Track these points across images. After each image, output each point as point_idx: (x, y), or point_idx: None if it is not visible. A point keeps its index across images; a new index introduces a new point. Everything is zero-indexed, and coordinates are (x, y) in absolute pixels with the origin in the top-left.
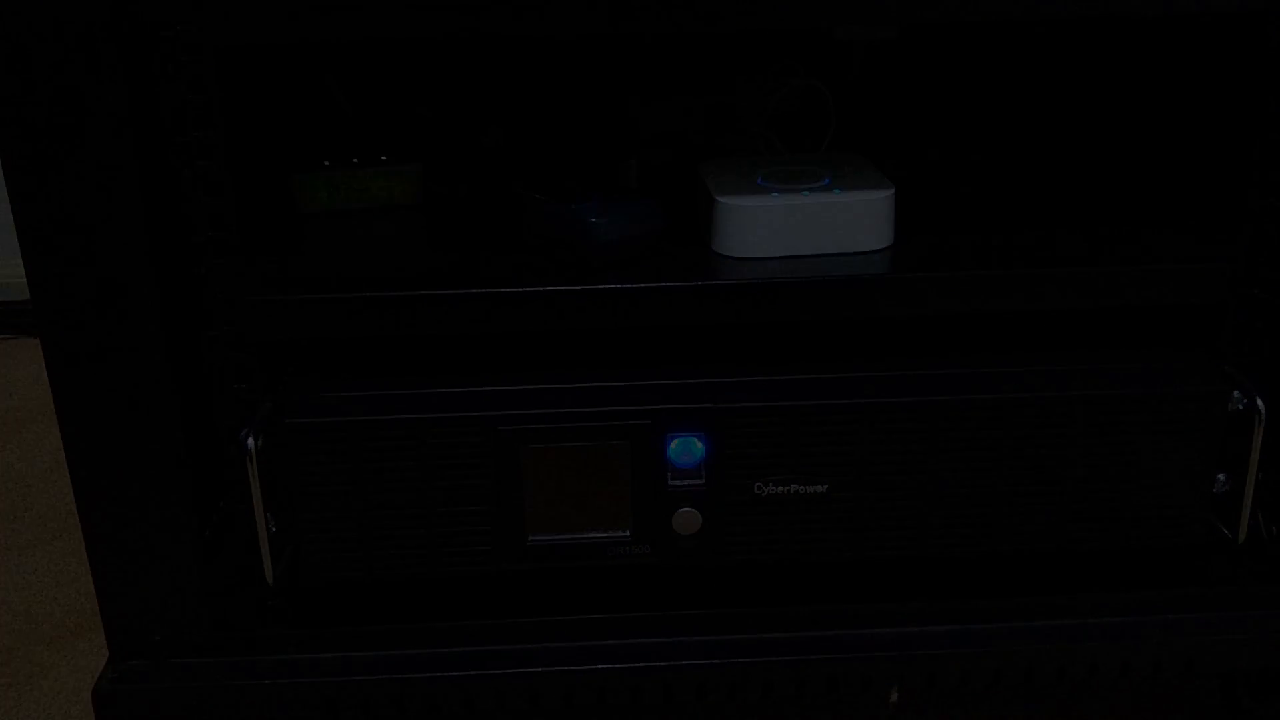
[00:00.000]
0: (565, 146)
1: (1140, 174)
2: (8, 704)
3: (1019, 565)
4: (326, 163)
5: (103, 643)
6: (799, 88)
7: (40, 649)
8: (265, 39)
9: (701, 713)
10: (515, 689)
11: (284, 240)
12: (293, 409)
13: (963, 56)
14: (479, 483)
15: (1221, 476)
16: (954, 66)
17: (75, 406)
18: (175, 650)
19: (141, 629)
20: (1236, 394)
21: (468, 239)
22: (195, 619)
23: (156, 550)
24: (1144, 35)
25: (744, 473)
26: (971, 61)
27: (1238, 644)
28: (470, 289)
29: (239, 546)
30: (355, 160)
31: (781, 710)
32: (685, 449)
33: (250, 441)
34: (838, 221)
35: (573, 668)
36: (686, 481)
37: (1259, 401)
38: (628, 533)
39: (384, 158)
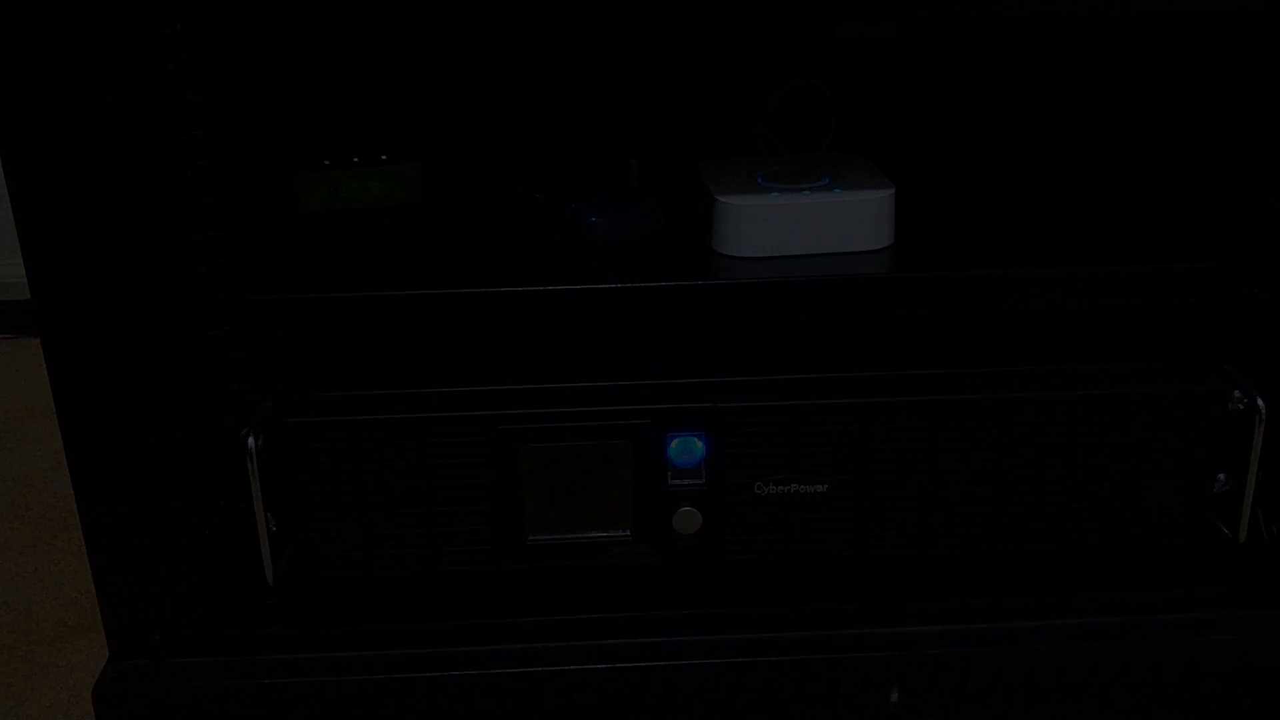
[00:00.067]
0: (565, 146)
1: (1140, 173)
2: (8, 703)
3: (1019, 565)
4: (327, 162)
5: (103, 642)
6: (799, 87)
7: (40, 648)
8: (266, 35)
9: (702, 712)
10: (515, 688)
11: (284, 240)
12: (293, 408)
13: (963, 56)
14: (479, 482)
15: (1222, 476)
16: (955, 66)
17: (76, 406)
18: (175, 650)
19: (141, 628)
20: (1237, 394)
21: (468, 238)
22: (195, 618)
23: (156, 550)
24: (1145, 35)
25: (744, 472)
26: (972, 61)
27: (1238, 644)
28: (470, 288)
29: (239, 546)
30: (355, 160)
31: (782, 710)
32: (685, 448)
33: (250, 441)
34: (838, 221)
35: (573, 667)
36: (687, 481)
37: (1259, 401)
38: (628, 532)
39: (384, 157)
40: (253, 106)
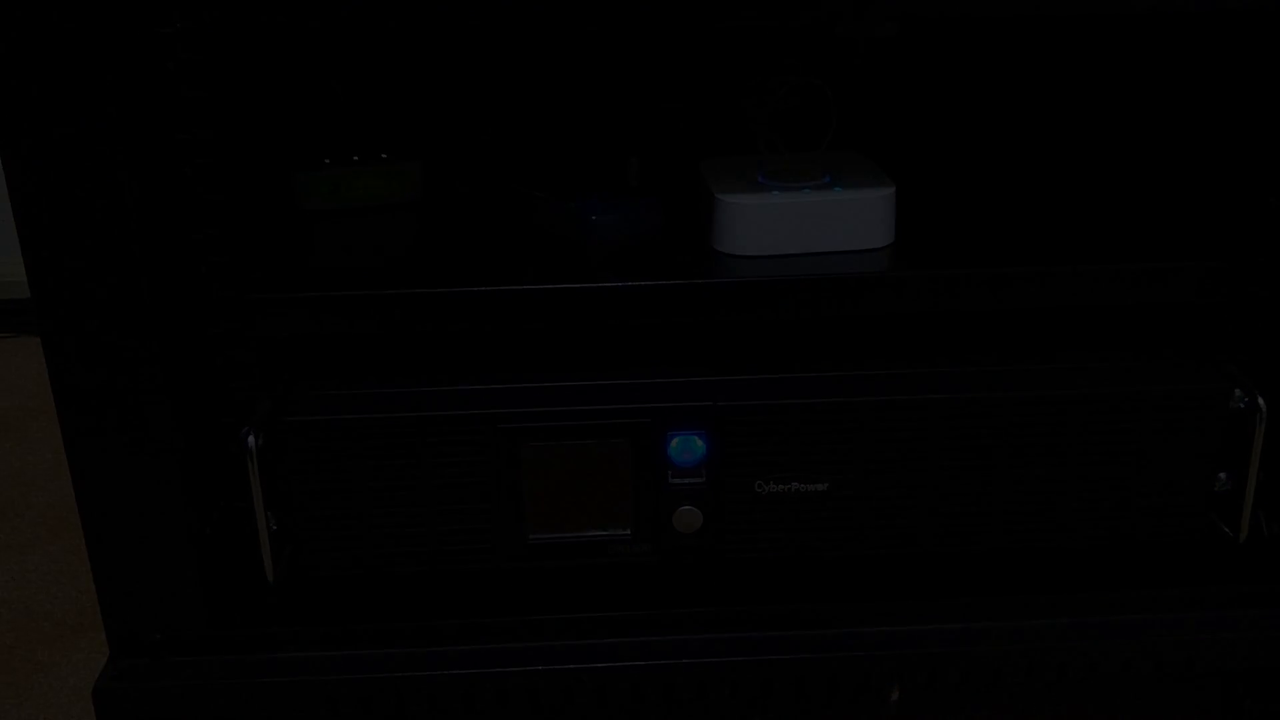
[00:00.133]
0: (566, 144)
1: (1142, 172)
2: (8, 702)
3: (1019, 563)
4: (327, 161)
5: (103, 641)
6: (800, 86)
7: (41, 647)
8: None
9: (702, 712)
10: (515, 687)
11: (284, 238)
12: (293, 407)
13: (964, 55)
14: (479, 481)
15: (1222, 475)
16: (955, 65)
17: (75, 405)
18: (175, 648)
19: (142, 627)
20: (1237, 392)
21: (468, 237)
22: (195, 617)
23: (157, 548)
24: (1146, 34)
25: (745, 471)
26: (973, 60)
27: (1239, 643)
28: (471, 287)
29: (240, 544)
30: (355, 158)
31: (782, 709)
32: (686, 447)
33: (251, 439)
34: (838, 220)
35: (573, 666)
36: (687, 480)
37: (1260, 400)
38: (628, 531)
39: (384, 156)
40: (253, 105)
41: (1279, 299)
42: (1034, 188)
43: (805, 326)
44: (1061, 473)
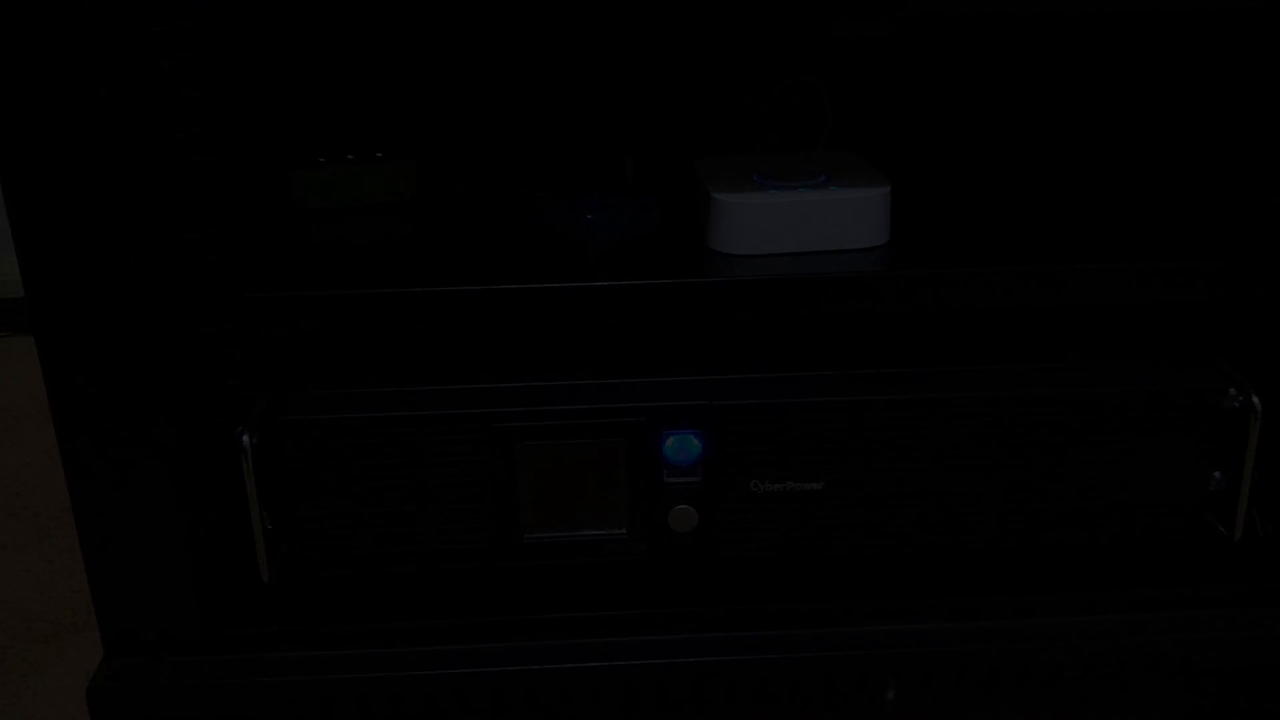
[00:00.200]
0: (562, 143)
1: (1138, 172)
2: (3, 702)
3: (1014, 563)
4: (322, 160)
5: (97, 641)
6: (795, 85)
7: (35, 647)
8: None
9: (697, 711)
10: (511, 687)
11: (279, 237)
12: (288, 406)
13: (960, 54)
14: (475, 480)
15: (1217, 474)
16: (952, 64)
17: (70, 404)
18: (170, 648)
19: (136, 627)
20: (1232, 392)
21: (463, 236)
22: (190, 617)
23: (151, 548)
24: (1144, 32)
25: (740, 470)
26: (969, 59)
27: (1234, 642)
28: (466, 286)
29: (235, 544)
30: (351, 157)
31: (778, 708)
32: (682, 446)
33: (246, 439)
34: (834, 218)
35: (568, 665)
36: (683, 479)
37: (1255, 399)
38: (624, 530)
39: (379, 154)
40: (249, 104)
41: (1274, 298)
42: (1030, 187)
43: (801, 325)
44: (1057, 472)
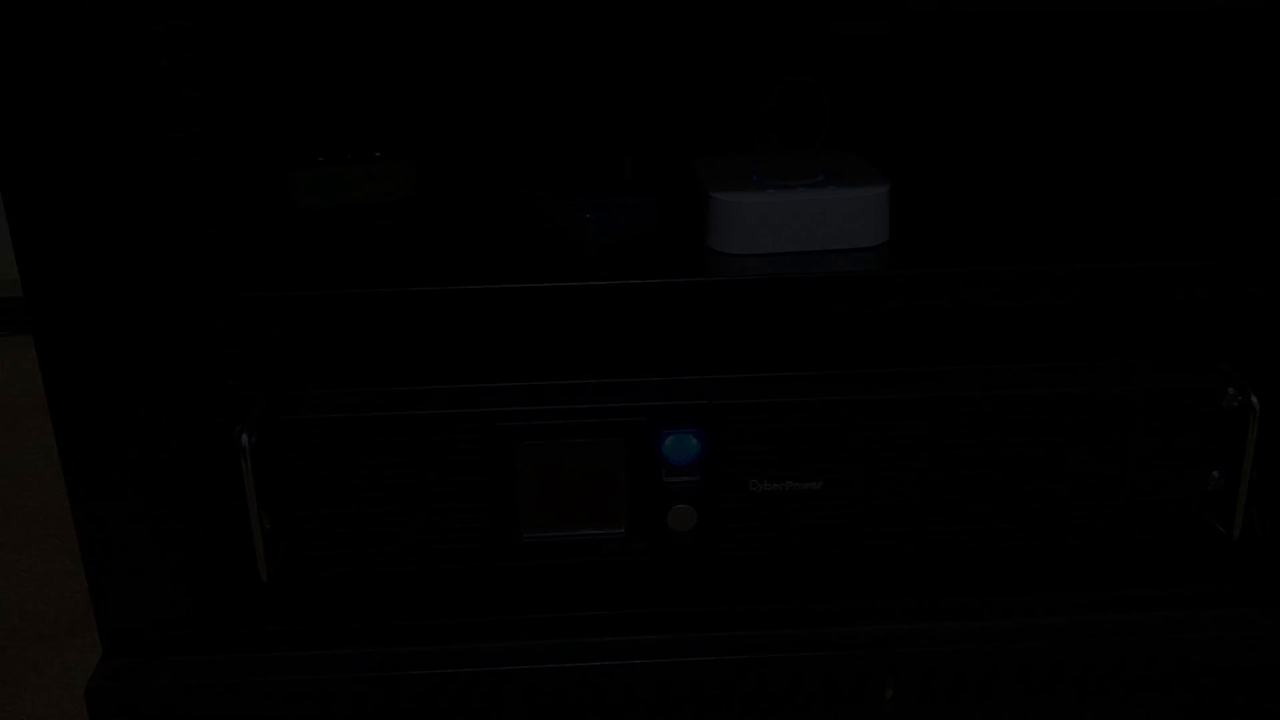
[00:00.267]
0: (560, 143)
1: (1137, 171)
2: (1, 701)
3: (1013, 562)
4: (321, 159)
5: (96, 640)
6: (794, 84)
7: (33, 646)
8: None
9: (696, 710)
10: (509, 686)
11: (278, 236)
12: (287, 405)
13: (959, 53)
14: (474, 479)
15: (1216, 474)
16: (950, 63)
17: (69, 403)
18: (169, 647)
19: (135, 626)
20: (1231, 391)
21: (462, 235)
22: (189, 616)
23: (150, 547)
24: (1143, 31)
25: (739, 470)
26: (968, 58)
27: (1233, 641)
28: (465, 285)
29: (233, 543)
30: (349, 156)
31: (777, 708)
32: (680, 446)
33: (245, 438)
34: (833, 218)
35: (567, 665)
36: (682, 478)
37: (1253, 399)
38: (623, 530)
39: (378, 154)
40: (248, 103)
41: (1273, 298)
42: (1029, 186)
43: (800, 325)
44: (1056, 471)
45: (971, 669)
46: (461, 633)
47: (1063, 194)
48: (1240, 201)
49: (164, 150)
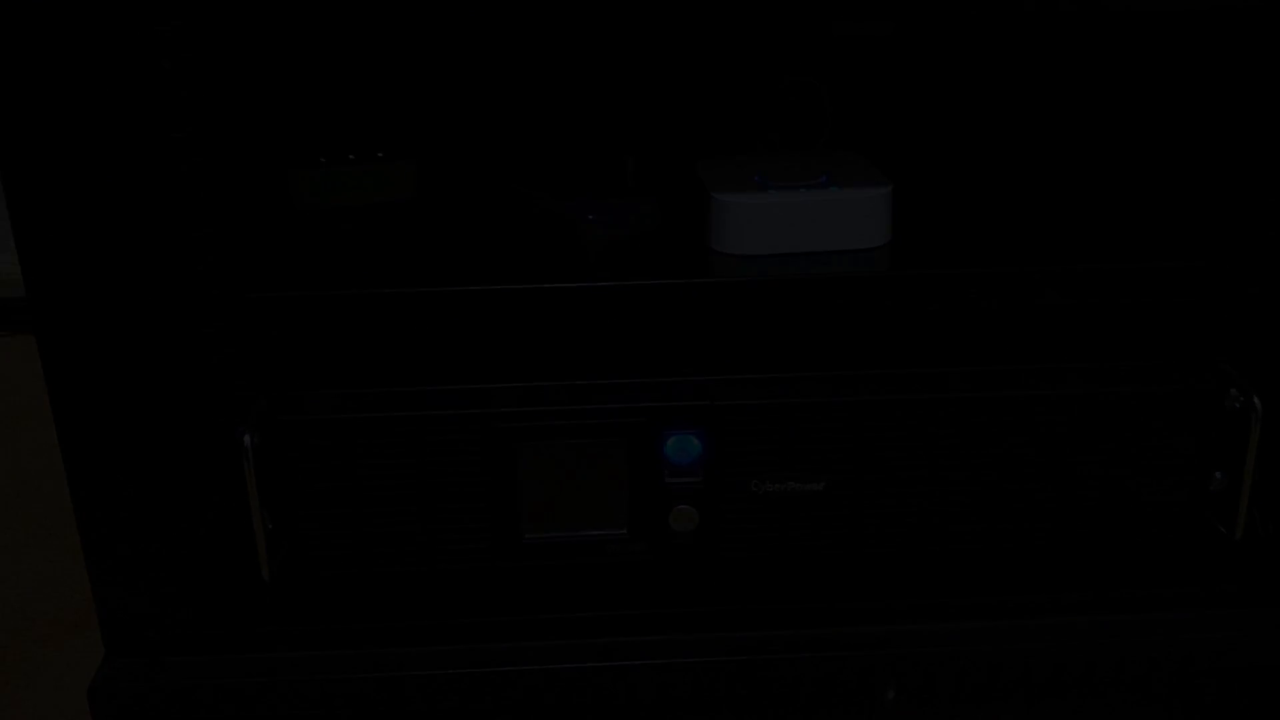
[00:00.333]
0: (562, 143)
1: (1138, 172)
2: (3, 701)
3: (1014, 563)
4: (322, 159)
5: (98, 640)
6: (796, 85)
7: (35, 647)
8: None
9: (698, 711)
10: (511, 686)
11: (280, 237)
12: (289, 406)
13: (960, 53)
14: (475, 480)
15: (1218, 474)
16: (952, 64)
17: (71, 403)
18: (170, 648)
19: (137, 626)
20: (1233, 392)
21: (463, 236)
22: (190, 616)
23: (152, 547)
24: (1143, 32)
25: (741, 470)
26: (970, 59)
27: (1235, 642)
28: (467, 286)
29: (235, 543)
30: (351, 157)
31: (778, 708)
32: (682, 446)
33: (246, 439)
34: (835, 219)
35: (568, 665)
36: (683, 479)
37: (1255, 400)
38: (624, 530)
39: (379, 154)
40: (249, 104)
41: (1275, 298)
42: (1031, 187)
43: (801, 326)
44: (1057, 472)
45: (973, 670)
46: (463, 633)
47: (1064, 194)
48: (1242, 202)
49: (166, 150)
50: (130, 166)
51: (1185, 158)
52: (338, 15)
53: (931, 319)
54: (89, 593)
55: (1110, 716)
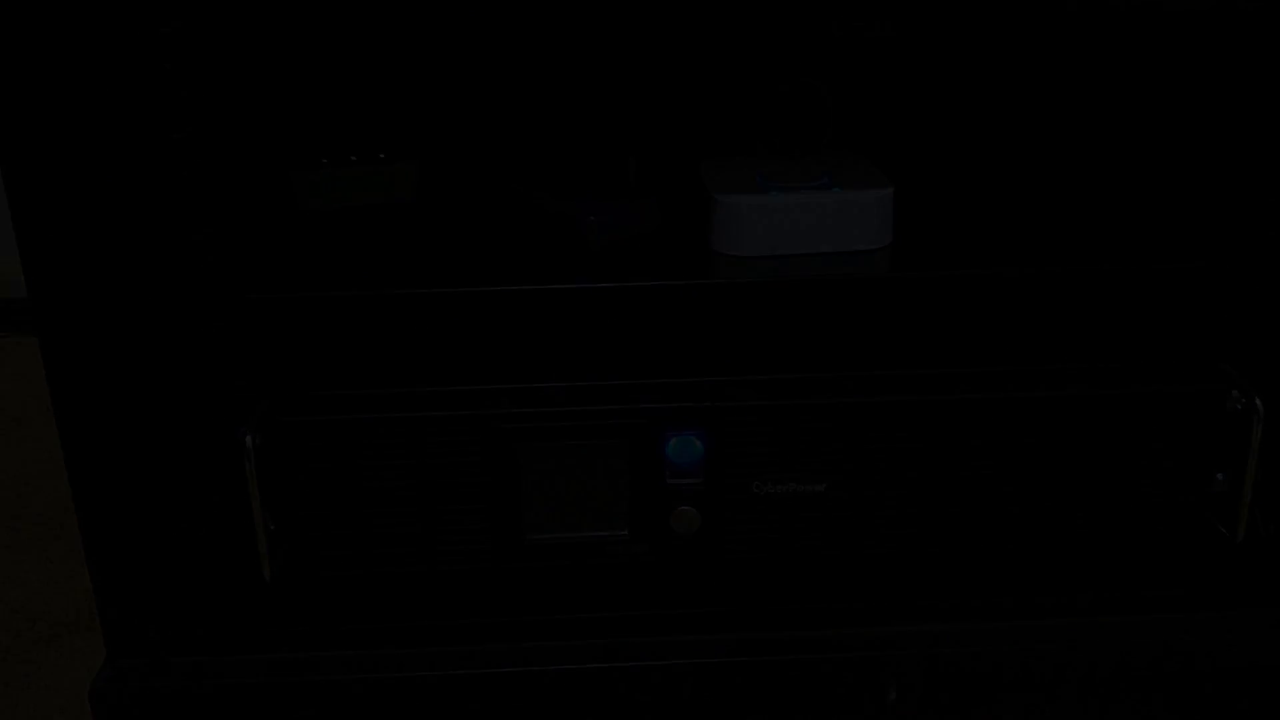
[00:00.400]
0: (564, 144)
1: (1140, 172)
2: (4, 702)
3: (1016, 564)
4: (324, 160)
5: (99, 641)
6: (798, 86)
7: (37, 647)
8: None
9: (699, 712)
10: (512, 687)
11: (282, 238)
12: (291, 407)
13: (962, 54)
14: (477, 481)
15: (1220, 476)
16: (954, 65)
17: (73, 403)
18: (172, 648)
19: (138, 627)
20: (1235, 393)
21: (464, 237)
22: (192, 617)
23: (153, 548)
24: (1144, 33)
25: (743, 471)
26: (971, 60)
27: (1236, 643)
28: (468, 287)
29: (237, 544)
30: (352, 158)
31: (779, 709)
32: (684, 448)
33: (248, 439)
34: (837, 220)
35: (570, 666)
36: (685, 480)
37: (1257, 401)
38: (626, 531)
39: (381, 155)
40: (251, 105)
41: (1277, 299)
42: (1032, 188)
43: (803, 327)
44: (1059, 473)
45: (975, 671)
46: (465, 634)
47: (1066, 195)
48: (1244, 203)
49: (168, 151)
50: (132, 167)
51: (1187, 159)
52: (339, 17)
53: (932, 320)
54: (90, 593)
55: (1111, 717)
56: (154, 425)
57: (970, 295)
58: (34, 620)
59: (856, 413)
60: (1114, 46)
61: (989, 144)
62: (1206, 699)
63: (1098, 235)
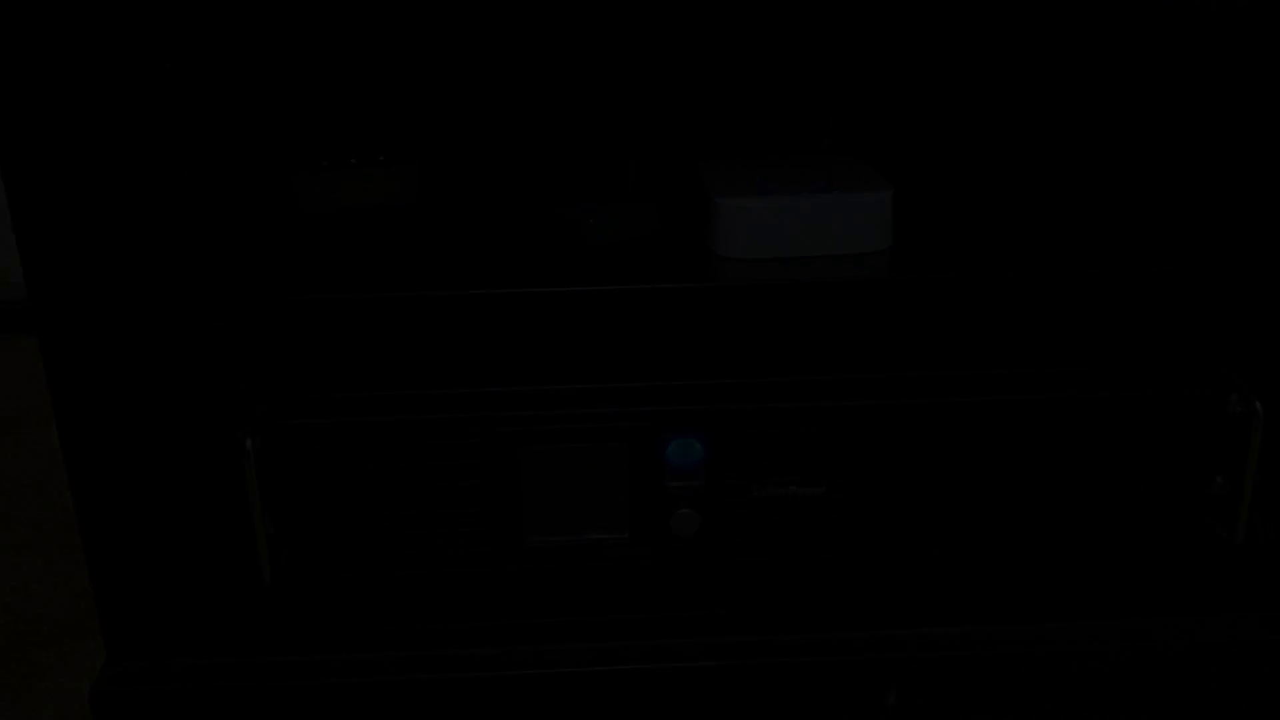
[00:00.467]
0: (564, 147)
1: (1140, 174)
2: (5, 705)
3: (1016, 566)
4: (324, 162)
5: (100, 644)
6: (798, 88)
7: (38, 650)
8: None
9: (699, 714)
10: (512, 689)
11: (282, 240)
12: (291, 410)
13: (963, 56)
14: (477, 484)
15: (1219, 478)
16: (955, 67)
17: (73, 405)
18: (173, 651)
19: (139, 629)
20: (1234, 396)
21: (464, 239)
22: (192, 619)
23: (154, 551)
24: (1145, 34)
25: (742, 474)
26: (972, 62)
27: (1235, 645)
28: (468, 290)
29: (237, 547)
30: (353, 160)
31: (779, 712)
32: (684, 451)
33: (248, 442)
34: (836, 223)
35: (570, 669)
36: (685, 483)
37: (1257, 404)
38: (626, 534)
39: (382, 158)
40: (252, 107)
41: (1276, 302)
42: (1032, 191)
43: (803, 330)
44: (1058, 476)
45: (974, 674)
46: (465, 637)
47: (1066, 198)
48: (1244, 206)
49: (168, 153)
50: (132, 169)
51: (1187, 162)
52: (340, 19)
53: (931, 323)
54: (91, 596)
55: (1111, 719)
56: (154, 427)
57: (970, 298)
58: (35, 623)
59: (856, 416)
60: (1114, 48)
61: (989, 146)
62: (1206, 700)
63: (1097, 238)
